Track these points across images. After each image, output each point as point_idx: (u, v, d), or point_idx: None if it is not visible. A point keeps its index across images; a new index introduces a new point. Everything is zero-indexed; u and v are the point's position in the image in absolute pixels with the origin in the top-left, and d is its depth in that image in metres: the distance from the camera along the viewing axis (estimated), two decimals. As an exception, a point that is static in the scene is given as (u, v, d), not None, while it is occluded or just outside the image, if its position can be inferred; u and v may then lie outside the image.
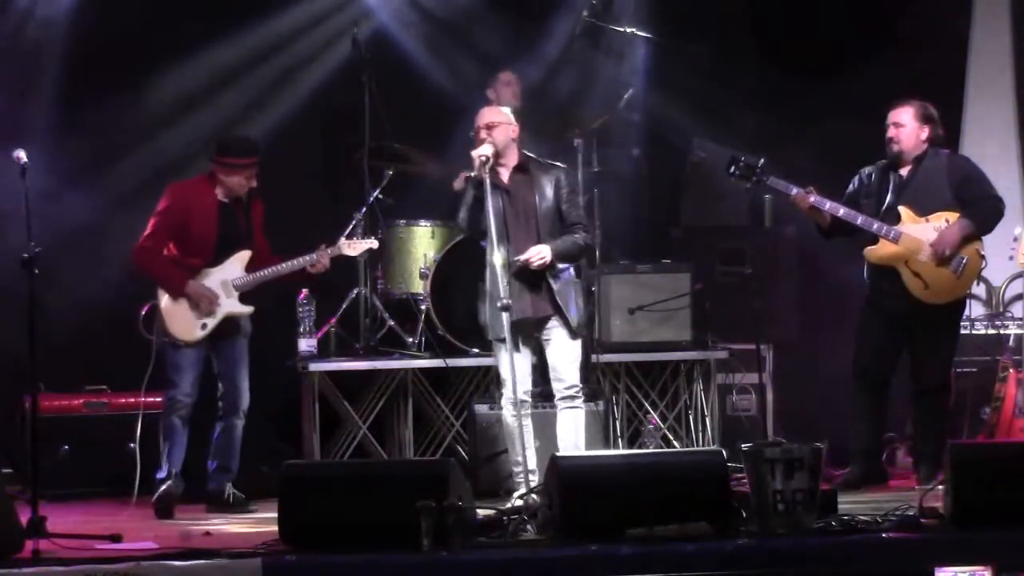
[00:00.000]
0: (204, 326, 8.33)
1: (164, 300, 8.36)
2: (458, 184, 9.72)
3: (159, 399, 9.00)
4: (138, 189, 9.66)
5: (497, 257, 7.83)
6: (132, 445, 8.91)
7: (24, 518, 6.94)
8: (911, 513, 7.10)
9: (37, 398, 7.68)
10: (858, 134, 9.49)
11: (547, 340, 8.05)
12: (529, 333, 8.02)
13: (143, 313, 8.87)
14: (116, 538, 7.10)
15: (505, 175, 8.03)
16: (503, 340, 7.84)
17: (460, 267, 9.08)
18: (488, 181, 7.81)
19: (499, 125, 8.01)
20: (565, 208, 8.04)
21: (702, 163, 10.11)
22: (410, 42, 10.22)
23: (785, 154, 9.34)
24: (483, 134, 7.98)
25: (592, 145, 9.85)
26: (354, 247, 8.68)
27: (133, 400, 9.01)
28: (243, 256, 8.43)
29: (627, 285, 9.33)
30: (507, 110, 8.25)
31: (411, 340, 9.31)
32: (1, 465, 8.90)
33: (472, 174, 7.94)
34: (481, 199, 7.81)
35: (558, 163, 8.31)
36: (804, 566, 6.67)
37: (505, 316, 7.71)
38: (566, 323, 7.99)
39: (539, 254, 7.89)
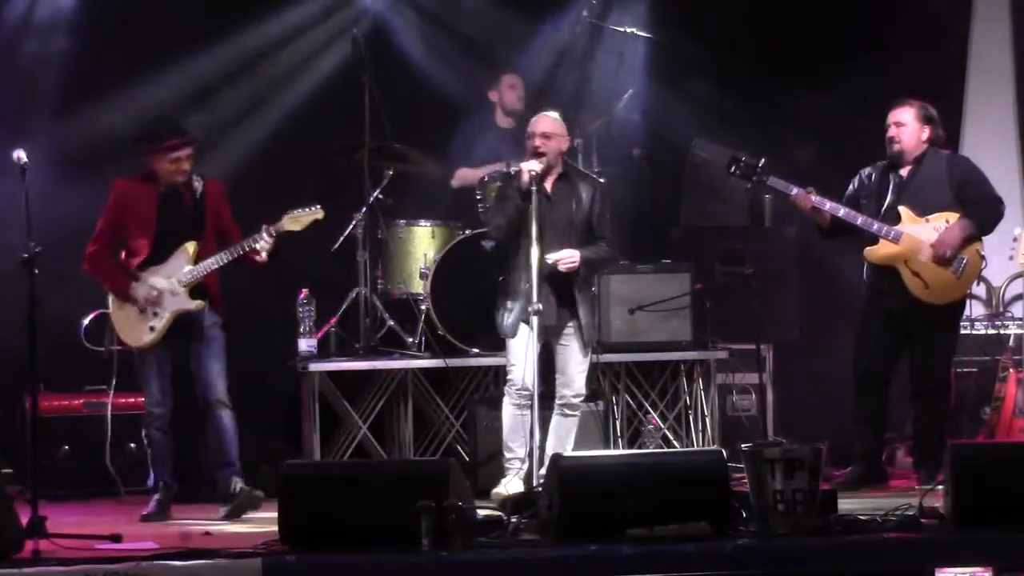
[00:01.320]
0: (152, 329, 8.09)
1: (112, 306, 8.19)
2: (457, 182, 9.74)
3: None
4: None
5: (531, 261, 7.87)
6: (132, 445, 8.94)
7: (24, 518, 6.93)
8: (911, 513, 7.10)
9: (37, 398, 7.67)
10: (858, 134, 9.50)
11: (563, 346, 8.16)
12: (546, 336, 8.09)
13: (85, 322, 8.87)
14: (116, 538, 7.09)
15: (549, 183, 8.13)
16: (513, 337, 7.98)
17: (460, 267, 9.09)
18: (535, 193, 7.89)
19: (555, 137, 8.11)
20: (596, 221, 8.17)
21: (702, 163, 10.11)
22: (410, 42, 10.23)
23: (785, 153, 9.34)
24: (538, 142, 8.07)
25: (592, 145, 9.85)
26: (298, 220, 8.20)
27: (133, 400, 9.03)
28: (188, 248, 8.12)
29: (627, 285, 9.32)
30: (557, 117, 8.25)
31: (411, 340, 9.31)
32: (1, 465, 8.91)
33: (514, 180, 8.02)
34: (525, 210, 7.89)
35: (594, 175, 8.37)
36: (804, 566, 6.67)
37: (535, 320, 7.80)
38: (582, 334, 8.10)
39: (570, 257, 8.02)
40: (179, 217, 8.14)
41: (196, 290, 8.13)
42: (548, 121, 8.20)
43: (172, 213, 8.13)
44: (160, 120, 8.53)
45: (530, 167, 7.97)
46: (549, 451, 7.96)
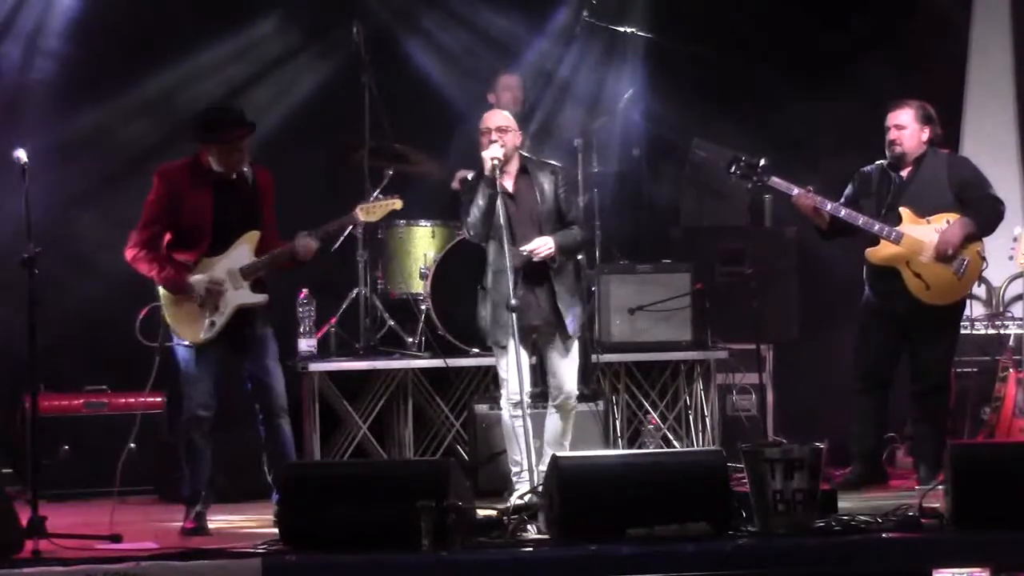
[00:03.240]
0: (212, 324, 7.59)
1: (165, 300, 7.66)
2: (456, 185, 9.73)
3: (159, 399, 9.03)
4: (139, 187, 9.66)
5: (504, 261, 7.82)
6: (132, 445, 8.93)
7: (24, 518, 6.94)
8: (911, 513, 7.11)
9: (37, 398, 7.67)
10: (858, 134, 9.50)
11: (546, 345, 8.11)
12: (529, 336, 8.04)
13: (141, 316, 8.67)
14: (116, 538, 7.10)
15: (509, 181, 8.04)
16: (503, 347, 7.90)
17: (460, 267, 9.07)
18: (499, 183, 7.84)
19: (509, 131, 8.03)
20: (564, 207, 8.09)
21: (702, 163, 10.11)
22: (410, 42, 10.23)
23: (784, 154, 9.34)
24: (494, 136, 7.99)
25: (592, 145, 9.85)
26: (372, 211, 7.99)
27: (133, 400, 9.04)
28: (251, 238, 7.66)
29: (627, 285, 9.32)
30: (508, 114, 8.21)
31: (411, 340, 9.32)
32: (1, 465, 8.90)
33: (477, 175, 7.96)
34: (494, 201, 7.84)
35: (553, 161, 8.34)
36: (804, 566, 6.67)
37: (513, 317, 7.71)
38: (563, 331, 8.02)
39: (545, 245, 7.94)
40: (236, 205, 7.65)
41: (256, 283, 7.72)
42: (500, 116, 8.12)
43: (228, 201, 7.62)
44: (218, 107, 8.17)
45: (492, 154, 7.89)
46: (546, 452, 7.95)
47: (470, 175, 8.10)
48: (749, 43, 10.29)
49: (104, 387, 9.19)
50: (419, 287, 9.36)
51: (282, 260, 7.74)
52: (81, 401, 9.14)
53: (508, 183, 8.03)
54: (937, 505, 7.14)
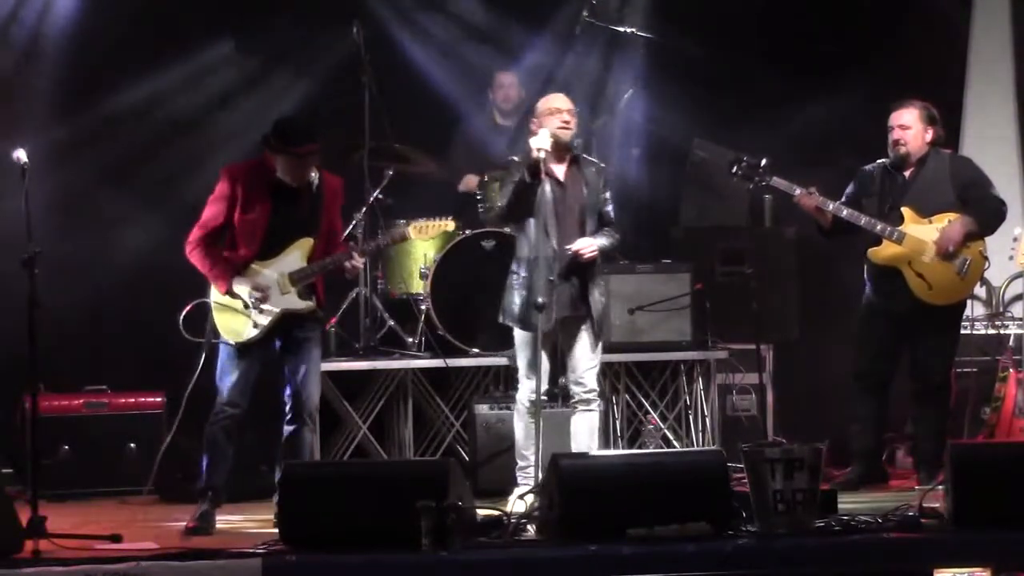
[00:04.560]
0: (256, 325, 7.63)
1: (213, 297, 7.70)
2: (463, 187, 9.74)
3: (158, 399, 9.04)
4: (140, 187, 9.69)
5: (542, 250, 7.77)
6: (132, 445, 8.94)
7: (24, 518, 6.94)
8: (911, 513, 7.10)
9: (37, 398, 7.66)
10: (859, 133, 9.51)
11: (574, 340, 8.00)
12: (555, 334, 7.95)
13: (184, 311, 8.59)
14: (116, 538, 7.10)
15: (562, 169, 7.93)
16: (533, 330, 7.76)
17: (460, 267, 9.08)
18: (549, 170, 7.73)
19: (576, 117, 7.95)
20: (603, 207, 8.03)
21: (702, 163, 10.10)
22: (410, 42, 10.22)
23: (785, 153, 9.33)
24: (567, 117, 7.88)
25: (592, 145, 9.85)
26: (425, 230, 8.15)
27: (133, 400, 9.03)
28: (303, 244, 7.70)
29: (627, 285, 9.31)
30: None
31: (411, 340, 9.31)
32: (1, 465, 8.90)
33: (524, 159, 7.80)
34: (534, 190, 7.70)
35: (598, 161, 8.27)
36: (804, 566, 6.67)
37: (541, 317, 7.64)
38: (593, 328, 7.97)
39: (590, 246, 7.87)
40: (294, 211, 7.69)
41: (305, 290, 7.76)
42: (567, 99, 8.00)
43: (287, 206, 7.66)
44: (291, 119, 8.05)
45: (539, 144, 7.69)
46: (576, 450, 7.86)
47: (517, 157, 7.96)
48: (749, 43, 10.29)
49: (104, 387, 9.18)
50: (419, 287, 9.36)
51: (330, 269, 7.81)
52: (81, 401, 9.13)
53: (560, 171, 7.91)
54: (937, 505, 7.14)
